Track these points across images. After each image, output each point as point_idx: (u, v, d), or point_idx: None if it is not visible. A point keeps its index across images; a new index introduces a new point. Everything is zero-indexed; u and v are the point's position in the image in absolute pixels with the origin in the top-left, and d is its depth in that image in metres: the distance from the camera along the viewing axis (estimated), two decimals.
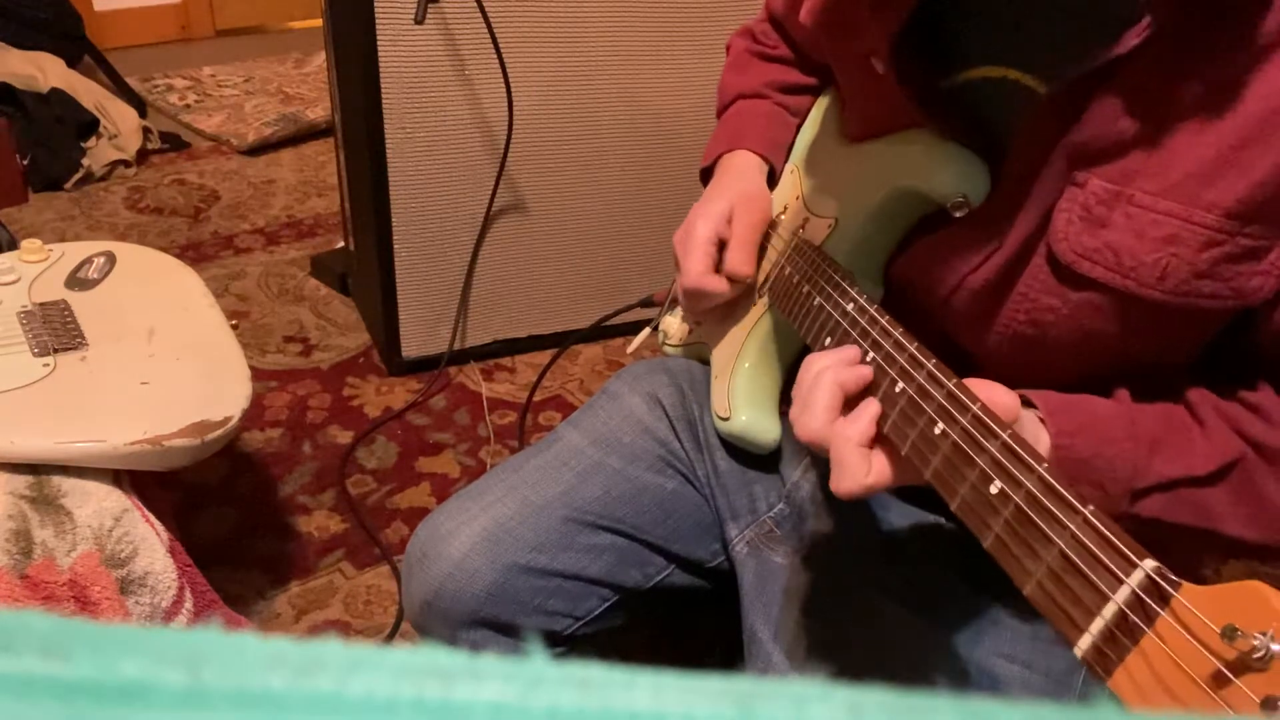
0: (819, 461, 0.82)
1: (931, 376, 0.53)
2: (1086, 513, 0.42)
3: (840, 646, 0.70)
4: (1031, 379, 0.61)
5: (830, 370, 0.58)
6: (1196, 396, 0.61)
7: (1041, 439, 0.57)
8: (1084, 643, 0.41)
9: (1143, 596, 0.39)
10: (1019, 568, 0.44)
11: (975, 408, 0.49)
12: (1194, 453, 0.59)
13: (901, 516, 0.76)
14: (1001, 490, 0.46)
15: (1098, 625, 0.40)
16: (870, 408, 0.57)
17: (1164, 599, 0.38)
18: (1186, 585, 0.38)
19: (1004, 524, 0.45)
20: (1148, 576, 0.39)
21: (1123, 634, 0.39)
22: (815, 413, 0.57)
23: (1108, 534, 0.41)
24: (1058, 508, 0.43)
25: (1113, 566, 0.40)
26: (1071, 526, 0.42)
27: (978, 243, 0.64)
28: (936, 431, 0.51)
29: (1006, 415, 0.52)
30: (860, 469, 0.55)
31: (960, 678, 0.67)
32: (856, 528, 0.77)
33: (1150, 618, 0.38)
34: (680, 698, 0.14)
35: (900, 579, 0.72)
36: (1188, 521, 0.59)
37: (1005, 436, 0.47)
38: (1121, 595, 0.39)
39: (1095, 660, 0.40)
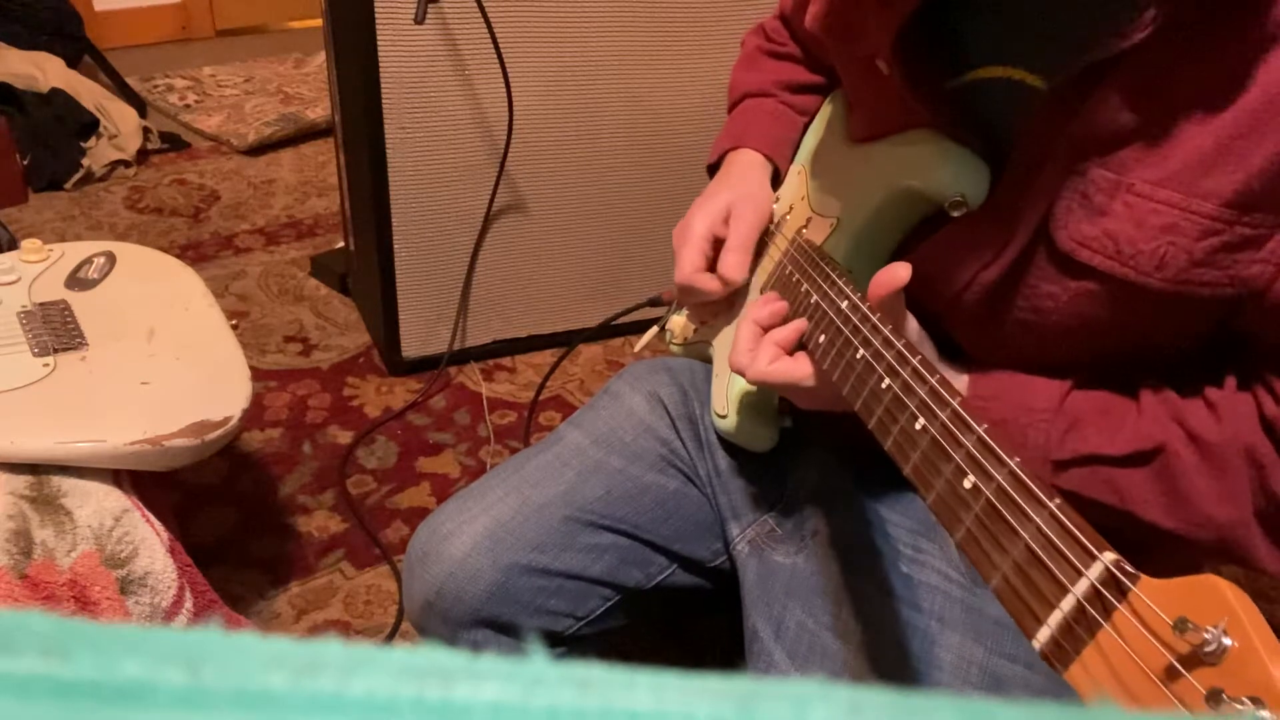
0: (821, 460, 0.82)
1: (916, 373, 0.53)
2: (1053, 506, 0.41)
3: (842, 646, 0.70)
4: (1028, 368, 0.62)
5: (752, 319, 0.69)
6: (1149, 389, 0.62)
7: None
8: (1042, 635, 0.40)
9: (1101, 589, 0.38)
10: (986, 562, 0.44)
11: (955, 403, 0.49)
12: (1117, 434, 0.60)
13: (903, 515, 0.76)
14: (974, 485, 0.46)
15: (1056, 618, 0.40)
16: (798, 322, 0.66)
17: (1122, 591, 0.38)
18: (1145, 579, 0.37)
19: (974, 519, 0.45)
20: (1106, 569, 0.38)
21: (1080, 627, 0.39)
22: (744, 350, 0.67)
23: (1071, 527, 0.40)
24: (1026, 501, 0.43)
25: (1074, 559, 0.40)
26: (1038, 520, 0.42)
27: (988, 240, 0.64)
28: (917, 427, 0.51)
29: (913, 337, 0.54)
30: (764, 355, 0.66)
31: (961, 678, 0.67)
32: (858, 526, 0.77)
33: (1107, 611, 0.38)
34: (680, 698, 0.14)
35: (901, 577, 0.72)
36: (1104, 499, 0.61)
37: (981, 431, 0.47)
38: (1080, 588, 0.39)
39: (1052, 653, 0.40)
